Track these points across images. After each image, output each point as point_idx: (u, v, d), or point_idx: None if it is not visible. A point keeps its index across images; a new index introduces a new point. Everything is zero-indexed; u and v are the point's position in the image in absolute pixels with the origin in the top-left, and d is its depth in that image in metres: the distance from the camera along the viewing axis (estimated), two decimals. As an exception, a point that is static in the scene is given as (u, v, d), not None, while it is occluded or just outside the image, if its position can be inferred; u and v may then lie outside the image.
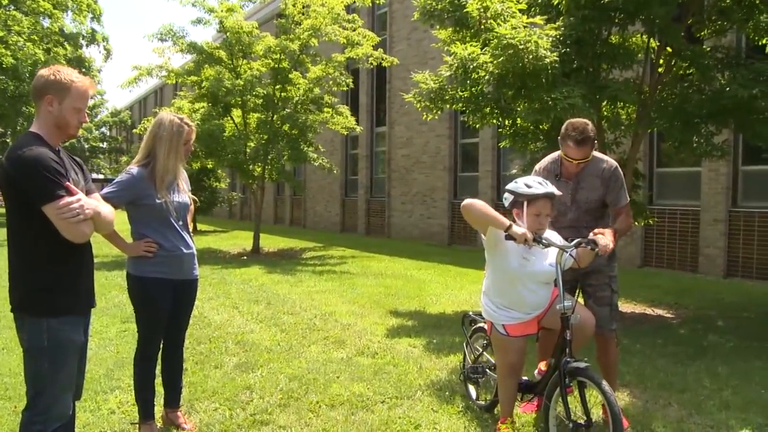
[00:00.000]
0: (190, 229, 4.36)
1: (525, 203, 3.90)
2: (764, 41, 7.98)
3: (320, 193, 27.15)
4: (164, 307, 4.09)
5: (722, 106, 7.30)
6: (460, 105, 8.42)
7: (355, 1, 16.18)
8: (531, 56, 6.50)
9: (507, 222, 3.78)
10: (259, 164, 16.51)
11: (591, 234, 3.95)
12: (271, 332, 7.29)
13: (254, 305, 8.92)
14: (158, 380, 4.31)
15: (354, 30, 16.19)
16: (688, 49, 7.79)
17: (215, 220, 33.58)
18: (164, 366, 4.35)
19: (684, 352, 6.54)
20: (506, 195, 4.03)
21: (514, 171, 9.27)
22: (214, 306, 8.85)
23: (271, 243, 19.30)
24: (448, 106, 8.59)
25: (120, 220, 3.59)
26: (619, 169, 4.44)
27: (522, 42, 6.49)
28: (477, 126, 8.87)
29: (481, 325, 4.74)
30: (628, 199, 4.49)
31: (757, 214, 12.04)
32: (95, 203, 3.09)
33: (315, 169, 20.78)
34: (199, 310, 8.36)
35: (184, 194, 4.20)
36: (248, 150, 16.44)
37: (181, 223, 4.12)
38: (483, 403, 4.77)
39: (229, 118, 16.79)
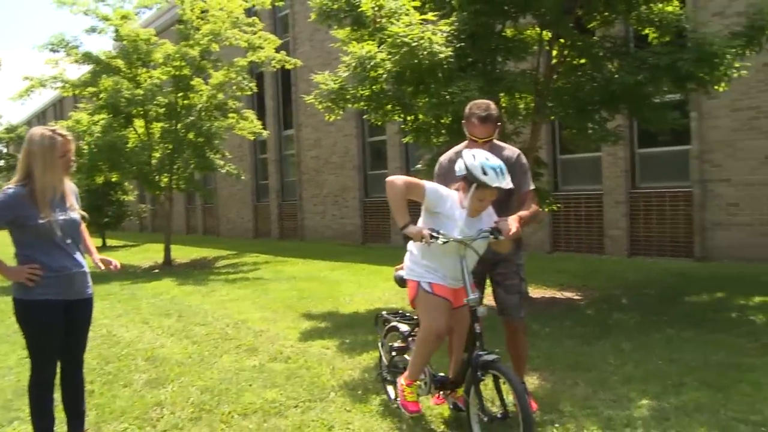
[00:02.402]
0: (92, 246, 4.22)
1: (475, 185, 3.79)
2: (647, 31, 8.34)
3: (231, 200, 26.79)
4: (57, 330, 3.88)
5: (612, 93, 7.60)
6: (362, 104, 8.47)
7: (254, 5, 15.99)
8: (425, 53, 6.58)
9: (403, 221, 3.79)
10: (166, 174, 16.16)
11: (492, 223, 3.97)
12: (183, 345, 7.14)
13: (165, 319, 8.71)
14: (61, 406, 4.16)
15: (255, 33, 16.00)
16: (579, 39, 8.07)
17: (126, 234, 32.64)
18: (64, 391, 4.14)
19: (591, 332, 6.77)
20: (461, 164, 3.87)
21: (419, 166, 9.36)
22: (124, 323, 8.59)
23: (183, 254, 18.92)
24: (349, 105, 8.62)
25: (5, 241, 3.44)
26: (523, 156, 4.47)
27: (415, 39, 6.57)
28: (379, 123, 8.95)
29: (395, 324, 4.70)
30: (532, 186, 4.51)
31: (654, 194, 12.59)
32: None
33: (225, 176, 20.48)
34: (108, 329, 8.13)
35: (72, 211, 3.98)
36: (154, 161, 16.07)
37: (69, 241, 3.92)
38: None
39: (131, 128, 16.34)
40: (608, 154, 12.97)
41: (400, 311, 5.07)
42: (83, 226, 4.14)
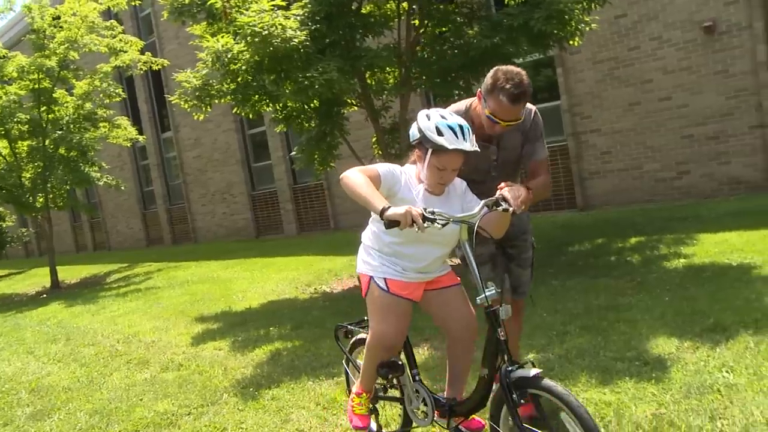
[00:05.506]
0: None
1: (429, 150, 3.01)
2: (504, -6, 8.49)
3: (118, 211, 25.86)
4: None
5: (472, 58, 7.70)
6: (228, 98, 8.27)
7: (109, 6, 15.30)
8: (278, 40, 6.46)
9: (381, 205, 2.81)
10: (41, 194, 15.39)
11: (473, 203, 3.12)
12: (70, 369, 6.82)
13: (51, 345, 8.30)
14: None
15: (115, 37, 15.33)
16: (436, 7, 8.13)
17: (10, 261, 31.01)
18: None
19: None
20: (414, 129, 3.10)
21: (293, 153, 9.28)
22: (5, 356, 8.12)
23: (72, 274, 18.15)
24: (216, 101, 8.41)
25: None
26: (539, 115, 3.56)
27: (266, 27, 6.43)
28: (251, 116, 8.76)
29: (362, 336, 3.69)
30: (546, 152, 3.60)
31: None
32: None
33: (108, 188, 19.85)
34: (-13, 365, 7.69)
35: None
36: (25, 181, 15.25)
37: None
38: None
39: (-7, 150, 15.47)
40: (484, 118, 13.20)
41: (366, 317, 3.64)
42: None
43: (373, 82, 8.37)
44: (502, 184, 2.99)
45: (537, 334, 5.20)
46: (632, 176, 11.78)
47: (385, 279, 3.20)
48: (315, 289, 9.10)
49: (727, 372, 3.86)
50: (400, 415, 3.71)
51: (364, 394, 3.45)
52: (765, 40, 10.05)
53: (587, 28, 7.89)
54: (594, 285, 6.53)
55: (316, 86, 6.53)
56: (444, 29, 8.40)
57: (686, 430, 3.28)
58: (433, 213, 2.78)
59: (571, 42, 7.98)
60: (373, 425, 3.76)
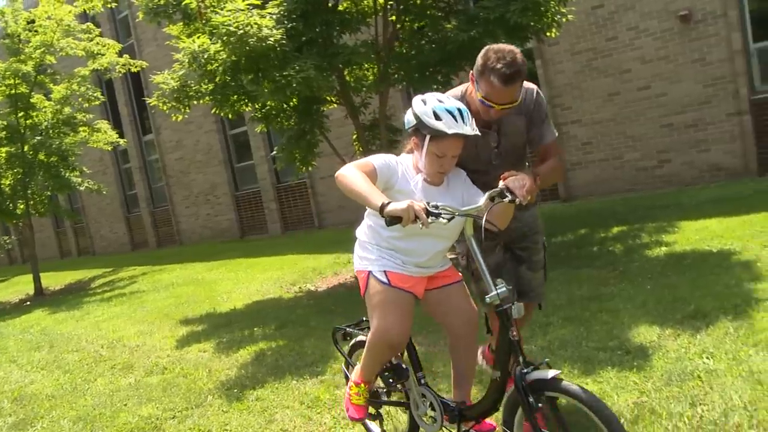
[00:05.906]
0: None
1: (427, 136, 2.85)
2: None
3: (102, 216, 25.66)
4: None
5: (449, 52, 7.70)
6: (207, 98, 8.22)
7: (85, 9, 15.14)
8: (254, 39, 6.42)
9: (380, 201, 2.62)
10: (21, 201, 15.24)
11: (501, 182, 2.84)
12: (54, 377, 6.76)
13: (35, 353, 8.23)
14: None
15: (92, 40, 15.19)
16: (411, 2, 8.12)
17: (-7, 270, 30.76)
18: None
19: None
20: (409, 116, 2.94)
21: (274, 152, 9.24)
22: (-13, 366, 8.07)
23: (56, 280, 17.98)
24: (195, 102, 8.36)
25: None
26: (542, 95, 3.26)
27: (242, 26, 6.39)
28: (230, 116, 8.73)
29: (362, 338, 3.51)
30: (556, 133, 3.35)
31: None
32: None
33: (90, 193, 19.69)
34: (-30, 377, 7.61)
35: None
36: (6, 188, 15.09)
37: None
38: None
39: (-31, 157, 15.27)
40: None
41: (365, 318, 3.47)
42: None
43: (352, 79, 8.34)
44: (505, 174, 2.83)
45: (520, 326, 5.21)
46: (613, 166, 11.84)
47: (385, 272, 3.02)
48: (299, 287, 9.07)
49: (707, 358, 3.89)
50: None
51: (363, 385, 3.28)
52: (740, 28, 10.14)
53: (564, 20, 7.92)
54: (577, 275, 6.55)
55: (294, 84, 6.50)
56: (421, 24, 8.39)
57: (667, 417, 3.30)
58: (436, 207, 2.59)
59: (548, 33, 7.99)
60: (376, 429, 3.68)
